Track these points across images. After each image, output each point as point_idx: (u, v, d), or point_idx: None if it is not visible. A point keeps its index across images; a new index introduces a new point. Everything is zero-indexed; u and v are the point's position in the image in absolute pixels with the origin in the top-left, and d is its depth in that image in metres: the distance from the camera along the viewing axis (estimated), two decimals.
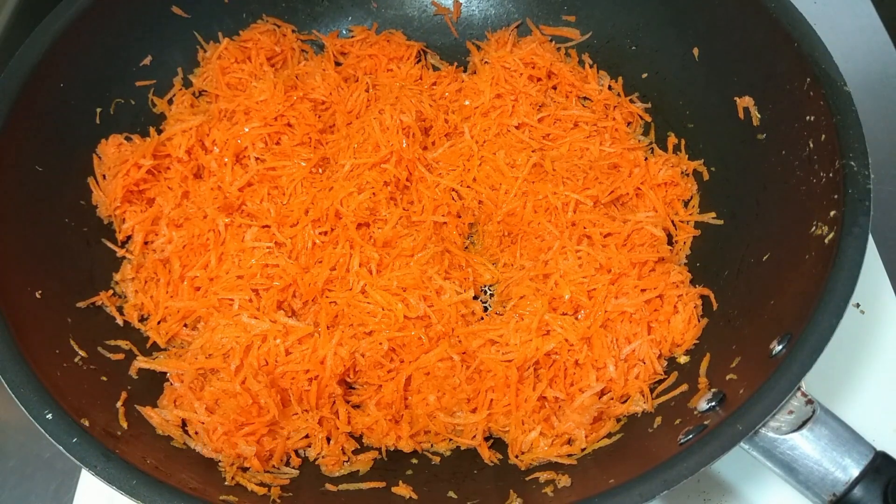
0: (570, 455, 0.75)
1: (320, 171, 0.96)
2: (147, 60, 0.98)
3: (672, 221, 0.93)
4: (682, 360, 0.82)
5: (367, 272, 0.86)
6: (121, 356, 0.80)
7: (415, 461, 0.79)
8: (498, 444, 0.80)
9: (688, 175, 0.96)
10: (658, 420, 0.75)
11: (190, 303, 0.85)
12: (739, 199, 0.88)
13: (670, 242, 0.92)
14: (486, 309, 0.90)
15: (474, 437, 0.78)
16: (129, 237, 0.91)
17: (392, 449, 0.80)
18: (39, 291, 0.77)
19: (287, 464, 0.77)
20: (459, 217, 0.95)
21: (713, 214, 0.91)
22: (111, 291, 0.86)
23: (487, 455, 0.78)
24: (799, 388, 0.62)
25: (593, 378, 0.79)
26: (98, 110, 0.93)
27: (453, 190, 0.96)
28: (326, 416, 0.79)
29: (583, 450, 0.76)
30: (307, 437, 0.78)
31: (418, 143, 0.96)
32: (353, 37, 1.10)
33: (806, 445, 0.62)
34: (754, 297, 0.78)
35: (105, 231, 0.90)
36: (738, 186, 0.89)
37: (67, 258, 0.84)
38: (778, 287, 0.74)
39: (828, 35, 0.79)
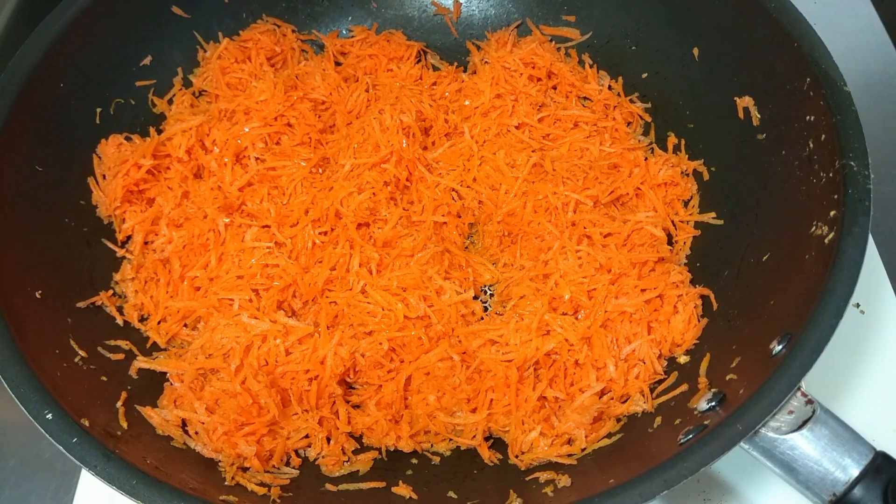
0: (570, 455, 0.75)
1: (320, 171, 0.96)
2: (147, 60, 0.98)
3: (672, 221, 0.93)
4: (682, 360, 0.82)
5: (367, 272, 0.86)
6: (121, 356, 0.80)
7: (415, 461, 0.79)
8: (498, 444, 0.80)
9: (688, 175, 0.96)
10: (658, 420, 0.75)
11: (190, 303, 0.85)
12: (739, 199, 0.88)
13: (670, 242, 0.92)
14: (486, 309, 0.90)
15: (474, 437, 0.78)
16: (129, 237, 0.91)
17: (392, 449, 0.80)
18: (39, 291, 0.77)
19: (287, 464, 0.77)
20: (459, 217, 0.95)
21: (713, 214, 0.91)
22: (111, 291, 0.86)
23: (487, 455, 0.78)
24: (799, 388, 0.62)
25: (593, 378, 0.79)
26: (98, 110, 0.93)
27: (453, 190, 0.96)
28: (326, 416, 0.79)
29: (583, 450, 0.76)
30: (307, 437, 0.78)
31: (418, 143, 0.96)
32: (353, 37, 1.10)
33: (806, 445, 0.62)
34: (754, 297, 0.78)
35: (105, 231, 0.90)
36: (738, 186, 0.89)
37: (67, 258, 0.84)
38: (778, 287, 0.74)
39: (828, 35, 0.79)
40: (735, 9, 0.88)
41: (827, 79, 0.76)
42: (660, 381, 0.80)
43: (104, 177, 0.90)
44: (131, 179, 0.89)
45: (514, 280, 0.88)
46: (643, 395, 0.79)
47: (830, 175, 0.72)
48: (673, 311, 0.83)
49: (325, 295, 0.86)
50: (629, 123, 1.02)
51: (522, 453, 0.77)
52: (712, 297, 0.84)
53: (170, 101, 1.01)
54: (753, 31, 0.86)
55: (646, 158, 0.97)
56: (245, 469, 0.74)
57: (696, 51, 0.96)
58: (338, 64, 1.08)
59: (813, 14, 0.82)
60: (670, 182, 0.94)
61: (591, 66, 1.06)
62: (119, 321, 0.84)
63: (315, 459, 0.78)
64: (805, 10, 0.82)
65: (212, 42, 1.04)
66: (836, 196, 0.70)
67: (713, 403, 0.69)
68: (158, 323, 0.85)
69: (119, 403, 0.73)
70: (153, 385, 0.79)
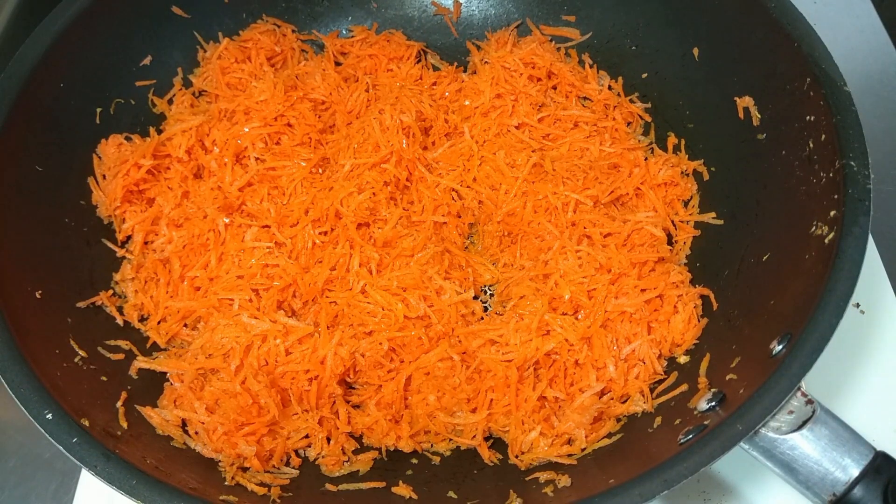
0: (570, 455, 0.75)
1: (320, 171, 0.96)
2: (147, 60, 0.98)
3: (672, 221, 0.93)
4: (682, 360, 0.82)
5: (367, 272, 0.86)
6: (121, 356, 0.80)
7: (415, 461, 0.79)
8: (498, 444, 0.80)
9: (688, 175, 0.96)
10: (658, 420, 0.75)
11: (190, 303, 0.85)
12: (739, 199, 0.88)
13: (670, 242, 0.92)
14: (486, 309, 0.90)
15: (474, 437, 0.78)
16: (129, 237, 0.91)
17: (392, 449, 0.80)
18: (39, 291, 0.77)
19: (287, 464, 0.77)
20: (459, 217, 0.95)
21: (713, 214, 0.91)
22: (111, 291, 0.86)
23: (487, 455, 0.78)
24: (799, 388, 0.62)
25: (593, 378, 0.79)
26: (98, 110, 0.93)
27: (453, 190, 0.96)
28: (326, 416, 0.79)
29: (583, 450, 0.76)
30: (307, 437, 0.78)
31: (418, 143, 0.96)
32: (353, 37, 1.10)
33: (806, 445, 0.62)
34: (754, 297, 0.78)
35: (105, 231, 0.90)
36: (738, 186, 0.88)
37: (67, 258, 0.84)
38: (778, 287, 0.74)
39: (828, 35, 0.79)
40: (735, 9, 0.88)
41: (827, 79, 0.76)
42: (660, 381, 0.80)
43: (104, 177, 0.90)
44: (131, 179, 0.89)
45: (514, 280, 0.88)
46: (643, 395, 0.79)
47: (830, 175, 0.72)
48: (673, 311, 0.83)
49: (325, 295, 0.86)
50: (629, 123, 1.02)
51: (522, 453, 0.77)
52: (712, 297, 0.84)
53: (170, 101, 1.01)
54: (753, 31, 0.86)
55: (646, 158, 0.97)
56: (245, 469, 0.74)
57: (696, 51, 0.96)
58: (338, 64, 1.08)
59: (813, 14, 0.82)
60: (670, 182, 0.94)
61: (591, 66, 1.06)
62: (119, 321, 0.84)
63: (315, 459, 0.78)
64: (805, 10, 0.82)
65: (212, 42, 1.04)
66: (836, 196, 0.70)
67: (713, 403, 0.69)
68: (158, 323, 0.85)
69: (119, 403, 0.73)
70: (153, 385, 0.79)
